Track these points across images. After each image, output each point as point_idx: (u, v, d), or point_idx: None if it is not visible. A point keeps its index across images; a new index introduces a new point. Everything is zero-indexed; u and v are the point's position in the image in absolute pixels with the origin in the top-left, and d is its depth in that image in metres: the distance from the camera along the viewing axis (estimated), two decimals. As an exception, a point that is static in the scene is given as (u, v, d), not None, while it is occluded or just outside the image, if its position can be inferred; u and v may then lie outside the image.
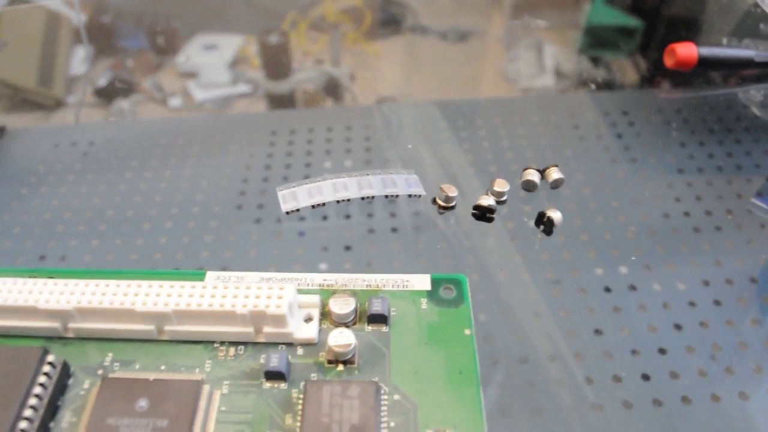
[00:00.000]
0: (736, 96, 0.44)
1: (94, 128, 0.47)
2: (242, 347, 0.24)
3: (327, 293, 0.25)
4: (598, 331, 0.32)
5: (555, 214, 0.30)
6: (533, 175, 0.32)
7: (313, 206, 0.29)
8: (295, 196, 0.29)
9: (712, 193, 0.39)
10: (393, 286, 0.25)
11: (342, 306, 0.24)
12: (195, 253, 0.34)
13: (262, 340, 0.24)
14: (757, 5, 0.44)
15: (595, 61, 0.56)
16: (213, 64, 0.56)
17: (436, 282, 0.25)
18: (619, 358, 0.30)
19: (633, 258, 0.34)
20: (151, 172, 0.40)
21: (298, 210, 0.29)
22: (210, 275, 0.25)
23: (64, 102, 0.52)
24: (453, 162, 0.39)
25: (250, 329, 0.23)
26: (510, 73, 0.56)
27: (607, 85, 0.51)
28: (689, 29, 0.55)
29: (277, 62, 0.56)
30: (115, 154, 0.42)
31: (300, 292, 0.24)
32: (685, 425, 0.29)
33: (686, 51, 0.36)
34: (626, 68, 0.54)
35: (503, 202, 0.31)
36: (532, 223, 0.31)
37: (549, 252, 0.33)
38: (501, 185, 0.31)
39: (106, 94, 0.52)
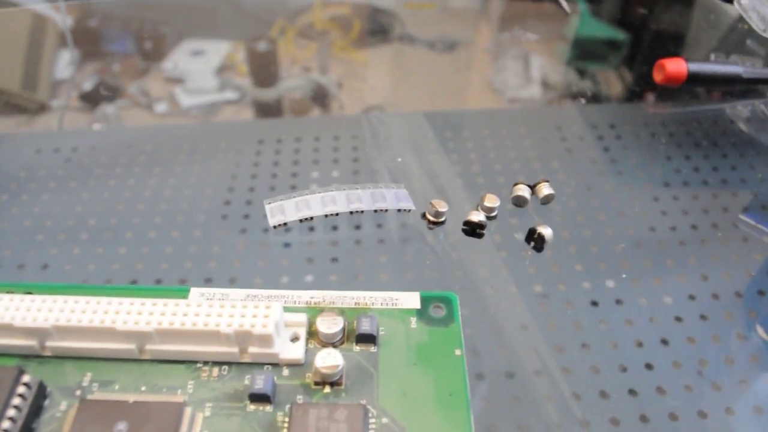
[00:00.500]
0: (722, 111, 0.43)
1: (78, 134, 0.46)
2: (226, 367, 0.23)
3: (314, 311, 0.24)
4: (585, 346, 0.31)
5: (546, 231, 0.29)
6: (524, 191, 0.31)
7: (300, 220, 0.28)
8: (282, 210, 0.28)
9: (698, 206, 0.38)
10: (382, 304, 0.24)
11: (330, 325, 0.23)
12: (179, 263, 0.33)
13: (246, 360, 0.22)
14: (743, 21, 0.43)
15: (582, 73, 0.56)
16: (200, 70, 0.55)
17: (425, 300, 0.25)
18: (606, 373, 0.30)
19: (623, 275, 0.33)
20: (135, 179, 0.39)
21: (285, 224, 0.28)
22: (194, 292, 0.24)
23: (49, 106, 0.51)
24: (441, 173, 0.39)
25: (235, 349, 0.22)
26: (497, 83, 0.56)
27: (594, 98, 0.50)
28: (675, 43, 0.55)
29: (264, 69, 0.55)
30: (99, 161, 0.40)
31: (286, 309, 0.23)
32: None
33: (676, 67, 0.35)
34: (612, 80, 0.54)
35: (493, 218, 0.30)
36: (522, 238, 0.31)
37: (537, 266, 0.33)
38: (491, 200, 0.30)
39: (91, 99, 0.51)
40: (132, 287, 0.25)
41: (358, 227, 0.31)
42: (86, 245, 0.35)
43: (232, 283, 0.30)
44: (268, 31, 0.57)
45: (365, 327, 0.23)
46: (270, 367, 0.22)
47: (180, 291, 0.24)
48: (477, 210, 0.30)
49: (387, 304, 0.24)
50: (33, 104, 0.51)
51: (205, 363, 0.23)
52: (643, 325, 0.32)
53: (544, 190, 0.31)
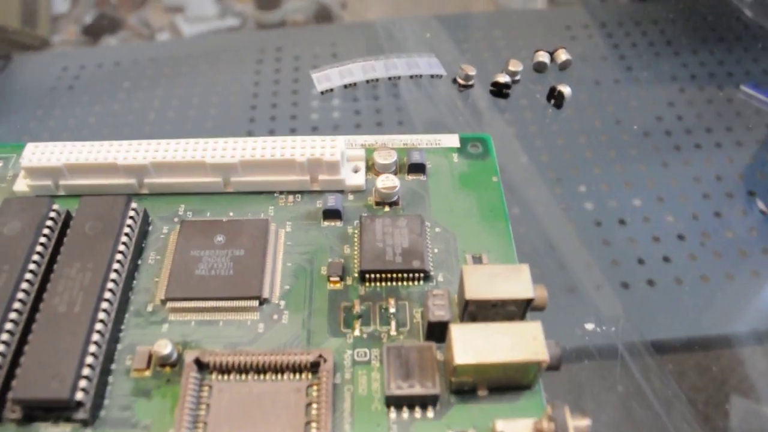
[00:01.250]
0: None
1: (97, 51, 0.52)
2: (299, 195, 0.29)
3: (369, 151, 0.31)
4: (598, 223, 0.37)
5: (565, 89, 0.36)
6: (543, 57, 0.39)
7: (345, 86, 0.36)
8: (328, 77, 0.36)
9: (703, 98, 0.45)
10: (427, 144, 0.32)
11: (385, 157, 0.30)
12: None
13: (316, 188, 0.29)
14: None
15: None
16: (199, -4, 0.60)
17: (464, 141, 0.31)
18: (617, 244, 0.36)
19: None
20: (162, 89, 0.46)
21: (331, 90, 0.36)
22: (268, 137, 0.31)
23: (50, 42, 0.55)
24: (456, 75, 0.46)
25: (306, 177, 0.29)
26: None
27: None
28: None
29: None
30: (125, 75, 0.47)
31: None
32: (677, 302, 0.35)
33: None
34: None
35: (517, 81, 0.38)
36: (544, 99, 0.38)
37: (550, 153, 0.40)
38: (515, 65, 0.37)
39: (92, 32, 0.55)
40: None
41: (396, 94, 0.39)
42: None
43: (292, 131, 0.39)
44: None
45: (416, 157, 0.30)
46: (338, 193, 0.30)
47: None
48: (502, 73, 0.38)
49: (431, 144, 0.32)
50: (35, 40, 0.55)
51: (281, 192, 0.29)
52: (651, 204, 0.38)
53: (562, 55, 0.39)
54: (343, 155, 0.28)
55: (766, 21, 0.47)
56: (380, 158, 0.29)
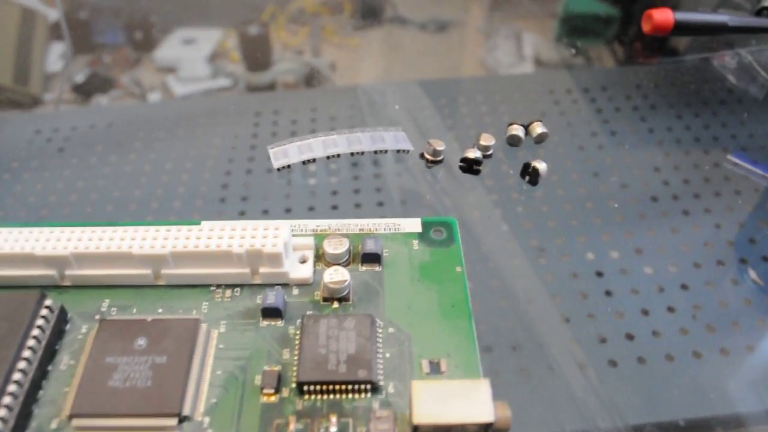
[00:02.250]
0: (711, 66, 0.46)
1: (75, 114, 0.48)
2: (238, 289, 0.25)
3: (320, 237, 0.26)
4: (583, 295, 0.33)
5: (540, 165, 0.31)
6: (518, 130, 0.33)
7: (303, 162, 0.30)
8: (285, 153, 0.30)
9: (689, 162, 0.40)
10: (385, 229, 0.26)
11: (336, 246, 0.25)
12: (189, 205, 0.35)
13: (257, 281, 0.25)
14: None
15: (574, 49, 0.57)
16: (192, 58, 0.56)
17: (426, 225, 0.27)
18: (602, 319, 0.32)
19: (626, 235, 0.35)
20: (136, 154, 0.41)
21: (289, 166, 0.30)
22: (205, 224, 0.26)
23: (42, 100, 0.52)
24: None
25: (246, 270, 0.24)
26: (489, 62, 0.58)
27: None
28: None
29: (257, 54, 0.56)
30: (97, 139, 0.42)
31: (294, 236, 0.26)
32: (667, 382, 0.30)
33: (662, 16, 0.38)
34: (604, 56, 0.56)
35: (489, 156, 0.33)
36: (517, 174, 0.33)
37: (533, 220, 0.35)
38: (487, 139, 0.32)
39: (84, 91, 0.52)
40: (145, 222, 0.27)
41: (357, 166, 0.33)
42: (91, 219, 0.37)
43: (241, 215, 0.34)
44: (259, 17, 0.59)
45: (370, 247, 0.25)
46: (280, 286, 0.25)
47: (191, 222, 0.26)
48: (473, 148, 0.32)
49: (390, 229, 0.26)
50: (26, 98, 0.52)
51: (218, 285, 0.25)
52: (638, 275, 0.34)
53: (538, 129, 0.33)
54: (287, 246, 0.23)
55: (750, 87, 0.42)
56: (330, 247, 0.23)
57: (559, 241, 0.35)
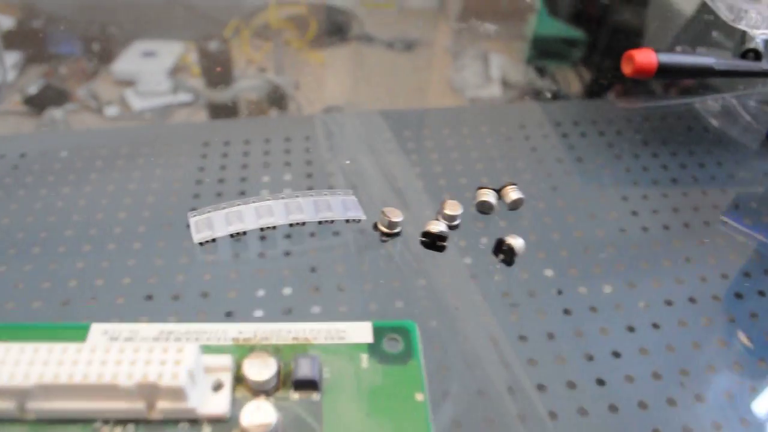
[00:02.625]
0: (690, 106, 0.38)
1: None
2: (132, 426, 0.17)
3: (243, 350, 0.18)
4: (559, 358, 0.26)
5: (516, 242, 0.23)
6: (489, 196, 0.25)
7: (231, 235, 0.22)
8: (210, 224, 0.22)
9: (668, 205, 0.33)
10: (326, 338, 0.18)
11: (260, 369, 0.17)
12: (114, 283, 0.27)
13: (157, 416, 0.17)
14: (706, 11, 0.38)
15: (541, 71, 0.51)
16: (152, 71, 0.49)
17: (378, 331, 0.19)
18: (583, 388, 0.25)
19: (607, 288, 0.28)
20: (70, 188, 0.33)
21: (213, 240, 0.22)
22: (95, 329, 0.18)
23: None
24: (399, 175, 0.33)
25: (141, 405, 0.16)
26: (457, 82, 0.51)
27: (554, 96, 0.45)
28: (631, 40, 0.50)
29: (218, 70, 0.49)
30: (30, 168, 0.34)
31: (208, 349, 0.18)
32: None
33: (645, 58, 0.30)
34: (571, 78, 0.49)
35: (455, 227, 0.25)
36: (489, 250, 0.25)
37: (505, 273, 0.27)
38: (453, 208, 0.24)
39: (37, 103, 0.44)
40: (22, 325, 0.19)
41: (297, 242, 0.24)
42: (13, 261, 0.29)
43: (148, 300, 0.24)
44: (222, 31, 0.51)
45: (305, 370, 0.17)
46: (187, 423, 0.17)
47: (78, 329, 0.18)
48: (437, 219, 0.24)
49: (332, 338, 0.18)
50: None
51: (105, 422, 0.17)
52: (619, 334, 0.27)
53: (512, 194, 0.26)
54: (194, 373, 0.15)
55: (731, 129, 0.34)
56: (253, 371, 0.15)
57: (532, 298, 0.28)
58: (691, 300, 0.29)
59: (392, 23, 0.57)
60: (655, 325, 0.28)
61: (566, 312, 0.28)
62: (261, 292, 0.24)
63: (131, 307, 0.25)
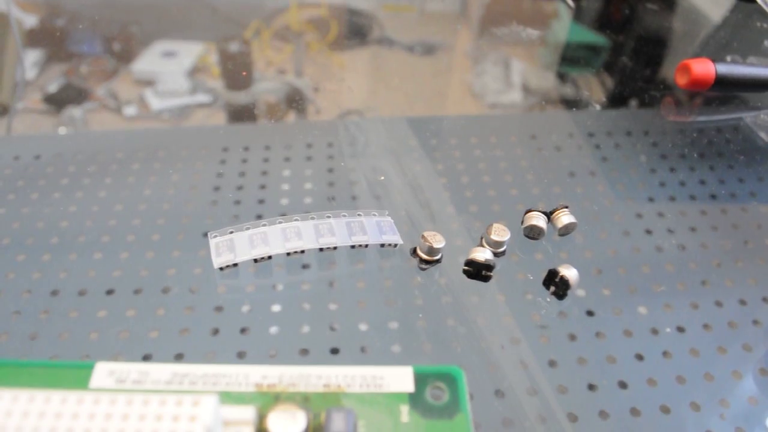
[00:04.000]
0: (734, 121, 0.35)
1: (23, 140, 0.37)
2: (138, 487, 0.14)
3: (267, 399, 0.15)
4: (591, 387, 0.23)
5: (570, 272, 0.20)
6: (538, 219, 0.22)
7: (255, 260, 0.19)
8: (232, 246, 0.19)
9: (707, 223, 0.31)
10: (361, 386, 0.15)
11: (287, 425, 0.14)
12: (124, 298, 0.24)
13: (167, 477, 0.14)
14: (761, 19, 0.35)
15: (562, 77, 0.48)
16: (171, 71, 0.46)
17: (420, 378, 0.16)
18: (616, 417, 0.22)
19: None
20: (84, 192, 0.30)
21: (235, 265, 0.19)
22: (100, 369, 0.15)
23: (11, 108, 0.41)
24: (426, 187, 0.30)
25: (149, 465, 0.13)
26: (477, 88, 0.48)
27: (574, 103, 0.42)
28: (656, 48, 0.47)
29: (237, 72, 0.46)
30: (44, 171, 0.31)
31: (228, 397, 0.15)
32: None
33: (703, 68, 0.27)
34: (593, 85, 0.46)
35: (502, 254, 0.21)
36: (538, 280, 0.21)
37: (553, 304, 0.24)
38: (500, 233, 0.21)
39: (57, 101, 0.42)
40: (20, 362, 0.16)
41: (329, 267, 0.21)
42: (22, 267, 0.26)
43: (181, 335, 0.21)
44: (243, 33, 0.48)
45: (338, 427, 0.14)
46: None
47: (81, 368, 0.15)
48: (481, 245, 0.21)
49: (368, 386, 0.15)
50: None
51: None
52: (655, 360, 0.24)
53: (564, 218, 0.22)
54: (212, 430, 0.11)
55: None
56: (278, 428, 0.12)
57: (563, 318, 0.25)
58: (731, 324, 0.26)
59: (413, 27, 0.54)
60: (693, 351, 0.25)
61: (598, 335, 0.25)
62: (286, 327, 0.20)
63: (143, 321, 0.22)
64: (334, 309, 0.21)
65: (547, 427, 0.22)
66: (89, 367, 0.15)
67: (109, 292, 0.25)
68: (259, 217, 0.26)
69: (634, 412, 0.23)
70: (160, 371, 0.15)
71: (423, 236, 0.21)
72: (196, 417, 0.13)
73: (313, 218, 0.20)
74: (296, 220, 0.20)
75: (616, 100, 0.42)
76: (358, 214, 0.21)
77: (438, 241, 0.20)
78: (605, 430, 0.22)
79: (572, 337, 0.24)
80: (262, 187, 0.30)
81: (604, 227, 0.29)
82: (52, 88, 0.44)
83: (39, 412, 0.13)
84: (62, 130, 0.41)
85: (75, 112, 0.43)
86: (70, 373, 0.15)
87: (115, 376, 0.15)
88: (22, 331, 0.23)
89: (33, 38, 0.48)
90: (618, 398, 0.23)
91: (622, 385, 0.23)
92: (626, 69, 0.44)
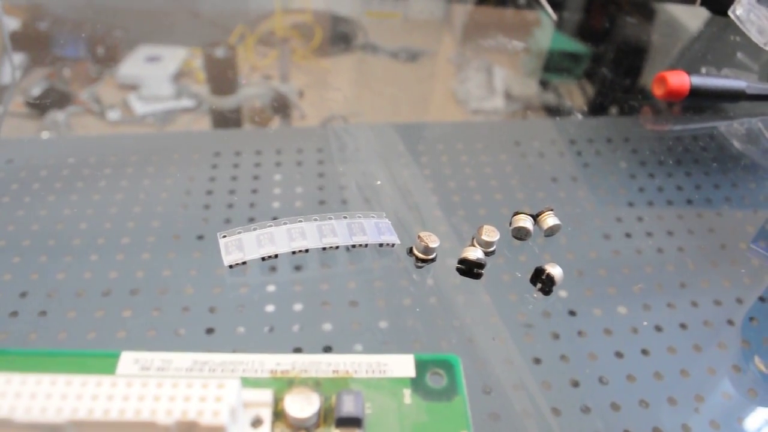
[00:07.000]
0: (709, 129, 0.38)
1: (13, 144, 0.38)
2: (166, 464, 0.16)
3: (281, 383, 0.17)
4: (574, 383, 0.25)
5: (555, 270, 0.22)
6: (525, 221, 0.25)
7: (263, 258, 0.21)
8: (240, 245, 0.21)
9: (683, 227, 0.33)
10: (367, 371, 0.17)
11: (302, 406, 0.16)
12: (121, 297, 0.25)
13: (192, 455, 0.15)
14: (734, 33, 0.37)
15: (544, 85, 0.50)
16: (155, 76, 0.47)
17: (421, 365, 0.18)
18: (597, 412, 0.24)
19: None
20: (78, 195, 0.32)
21: (244, 263, 0.21)
22: (126, 358, 0.17)
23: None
24: (414, 190, 0.32)
25: (177, 443, 0.15)
26: (460, 94, 0.50)
27: (557, 111, 0.44)
28: (636, 57, 0.50)
29: (222, 76, 0.47)
30: (37, 174, 0.33)
31: (246, 382, 0.16)
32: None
33: (678, 80, 0.29)
34: (574, 93, 0.48)
35: (491, 253, 0.24)
36: (525, 278, 0.24)
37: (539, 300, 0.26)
38: (491, 234, 0.23)
39: (39, 105, 0.43)
40: (48, 352, 0.17)
41: (331, 266, 0.23)
42: (18, 269, 0.27)
43: (177, 335, 0.22)
44: (227, 38, 0.49)
45: (348, 407, 0.16)
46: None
47: (107, 357, 0.17)
48: (473, 245, 0.23)
49: (373, 372, 0.17)
50: None
51: None
52: (634, 357, 0.26)
53: (549, 220, 0.25)
54: (235, 410, 0.13)
55: (753, 152, 0.34)
56: (294, 408, 0.14)
57: (547, 318, 0.27)
58: (706, 323, 0.28)
59: (397, 33, 0.56)
60: (671, 349, 0.27)
61: (580, 334, 0.27)
62: (295, 319, 0.22)
63: (139, 319, 0.24)
64: (337, 303, 0.23)
65: (532, 422, 0.24)
66: (115, 356, 0.17)
67: (106, 293, 0.26)
68: (252, 220, 0.28)
69: (614, 406, 0.24)
70: (181, 359, 0.17)
71: (419, 236, 0.23)
72: (221, 398, 0.15)
73: (315, 220, 0.22)
74: (300, 221, 0.22)
75: (597, 109, 0.44)
76: (359, 216, 0.23)
77: (433, 241, 0.22)
78: (587, 423, 0.24)
79: (555, 336, 0.26)
80: (254, 191, 0.32)
81: (586, 231, 0.31)
82: (35, 91, 0.45)
83: (76, 395, 0.14)
84: (45, 134, 0.42)
85: (58, 116, 0.44)
86: (97, 361, 0.17)
87: (139, 364, 0.17)
88: (20, 332, 0.25)
89: (16, 41, 0.49)
90: (599, 393, 0.25)
91: (603, 381, 0.25)
92: (606, 79, 0.47)
